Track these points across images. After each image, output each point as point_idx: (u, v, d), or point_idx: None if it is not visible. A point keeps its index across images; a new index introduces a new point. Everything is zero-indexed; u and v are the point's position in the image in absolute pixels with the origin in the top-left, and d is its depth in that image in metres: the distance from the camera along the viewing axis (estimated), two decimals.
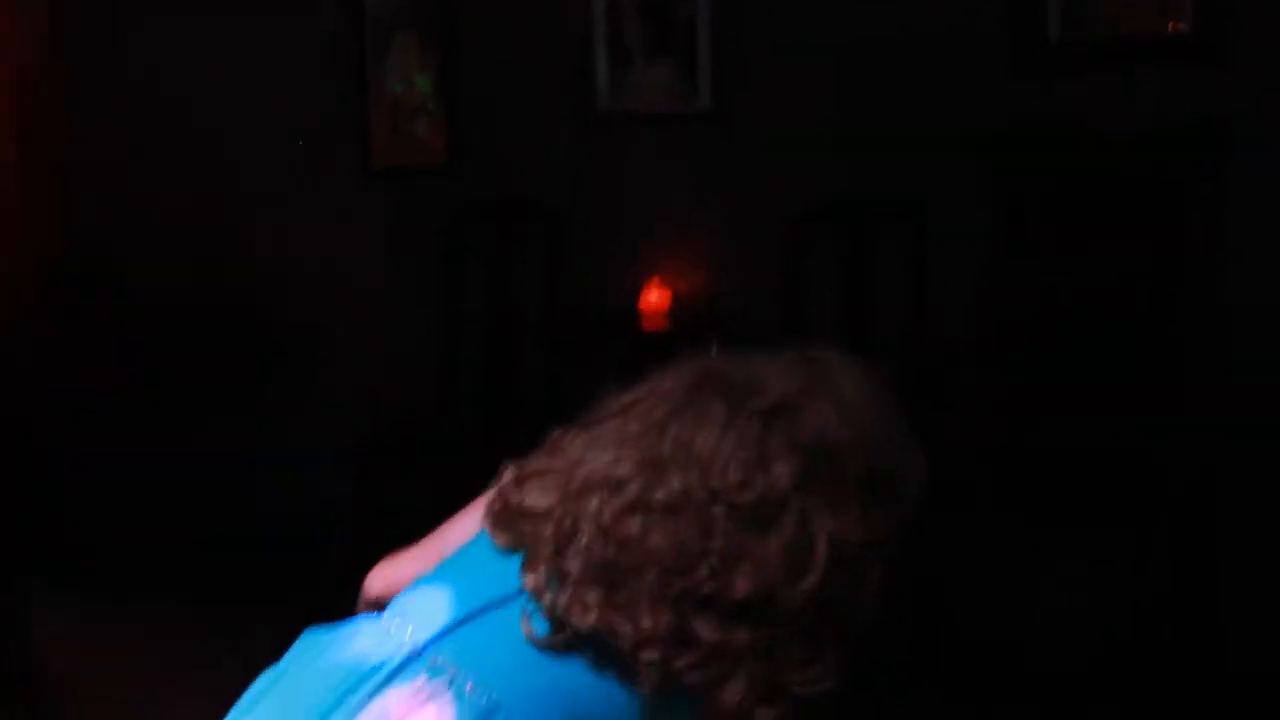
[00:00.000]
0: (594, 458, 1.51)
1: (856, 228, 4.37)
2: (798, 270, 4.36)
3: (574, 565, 1.45)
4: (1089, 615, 3.92)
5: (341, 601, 1.79)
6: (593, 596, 1.44)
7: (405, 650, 1.47)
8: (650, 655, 1.41)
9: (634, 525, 1.44)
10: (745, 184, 4.46)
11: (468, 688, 1.43)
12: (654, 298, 4.42)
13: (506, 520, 1.54)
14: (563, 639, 1.45)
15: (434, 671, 1.45)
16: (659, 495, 1.45)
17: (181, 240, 4.80)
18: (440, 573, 1.59)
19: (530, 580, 1.48)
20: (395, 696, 1.43)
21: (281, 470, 4.73)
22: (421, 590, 1.57)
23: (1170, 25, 4.08)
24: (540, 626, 1.46)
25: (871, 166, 4.31)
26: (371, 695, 1.44)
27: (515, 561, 1.51)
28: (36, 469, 4.43)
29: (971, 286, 4.28)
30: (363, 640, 1.51)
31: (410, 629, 1.50)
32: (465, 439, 4.38)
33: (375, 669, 1.46)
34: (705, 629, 1.41)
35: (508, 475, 1.59)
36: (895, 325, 4.25)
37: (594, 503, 1.47)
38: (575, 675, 1.45)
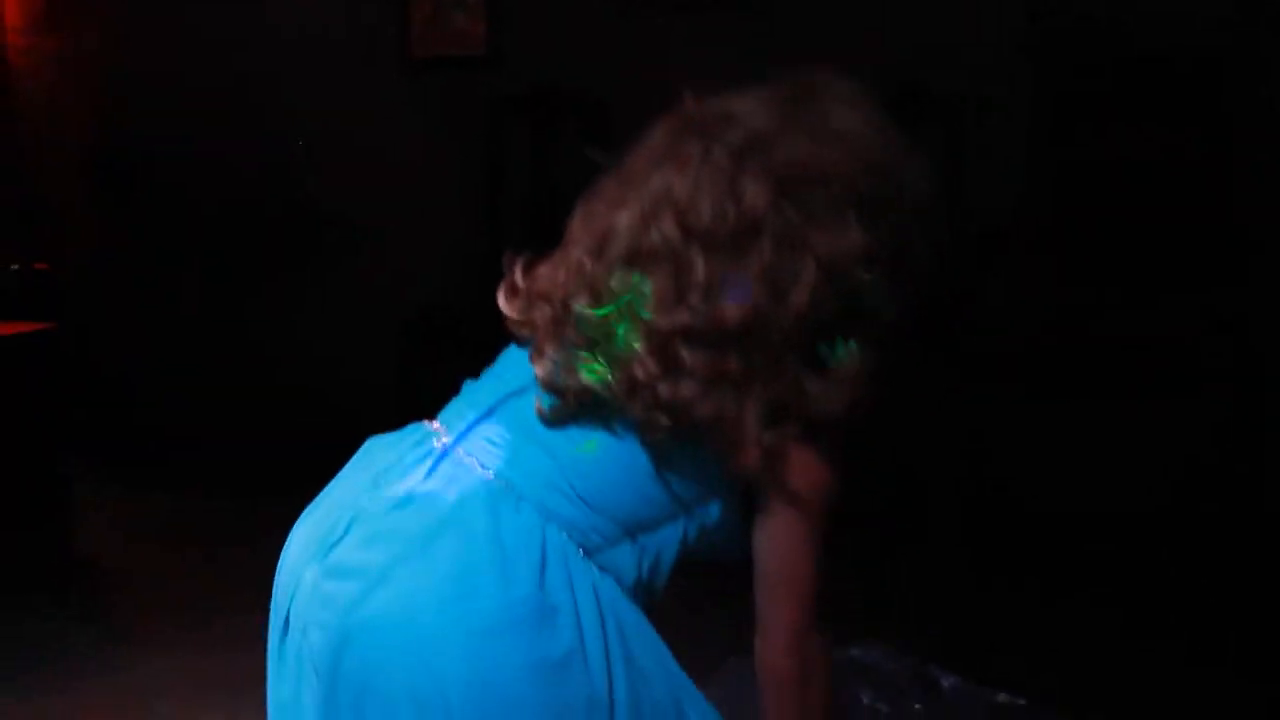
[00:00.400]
0: (587, 226, 1.54)
1: (896, 117, 4.32)
2: None
3: (570, 334, 1.49)
4: (1134, 486, 3.96)
5: None
6: (585, 357, 1.47)
7: (438, 450, 1.52)
8: (644, 399, 1.44)
9: (620, 280, 1.47)
10: (786, 72, 4.40)
11: (487, 476, 1.48)
12: None
13: (523, 314, 1.57)
14: (566, 408, 1.49)
15: (457, 465, 1.50)
16: (643, 245, 1.47)
17: (224, 132, 4.82)
18: (476, 381, 1.64)
19: (538, 365, 1.51)
20: (422, 489, 1.48)
21: (325, 359, 4.79)
22: (458, 397, 1.63)
23: None
24: (546, 402, 1.50)
25: (913, 54, 4.27)
26: (402, 491, 1.49)
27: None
28: (80, 361, 4.49)
29: (1014, 173, 4.24)
30: (405, 444, 1.57)
31: (442, 431, 1.55)
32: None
33: (409, 468, 1.52)
34: (695, 360, 1.43)
35: (516, 267, 1.60)
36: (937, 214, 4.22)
37: (587, 266, 1.50)
38: (588, 449, 1.49)
